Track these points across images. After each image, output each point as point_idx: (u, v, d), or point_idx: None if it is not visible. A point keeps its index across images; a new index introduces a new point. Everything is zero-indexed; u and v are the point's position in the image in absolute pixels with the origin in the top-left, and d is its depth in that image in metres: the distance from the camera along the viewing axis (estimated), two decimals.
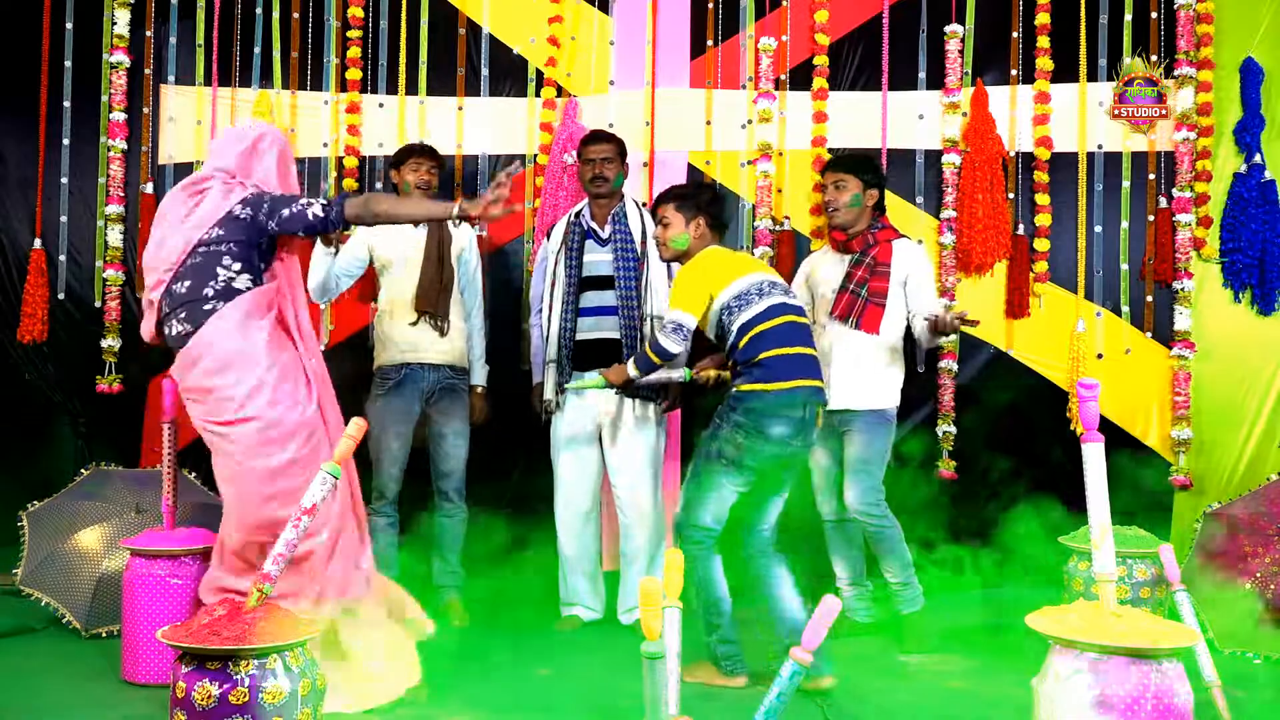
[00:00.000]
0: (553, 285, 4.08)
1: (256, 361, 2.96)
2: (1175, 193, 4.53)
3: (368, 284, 4.63)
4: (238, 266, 3.04)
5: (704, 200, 3.50)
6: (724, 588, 3.34)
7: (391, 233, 4.10)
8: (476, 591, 4.47)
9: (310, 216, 3.05)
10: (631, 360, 3.48)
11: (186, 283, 3.01)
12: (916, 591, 3.84)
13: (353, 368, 4.46)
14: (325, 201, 3.08)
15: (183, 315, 3.01)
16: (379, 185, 4.77)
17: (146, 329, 3.16)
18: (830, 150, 4.64)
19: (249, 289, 3.04)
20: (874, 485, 3.81)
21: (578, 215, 4.09)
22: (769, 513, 3.41)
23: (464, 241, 4.20)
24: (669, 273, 4.07)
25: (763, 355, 3.25)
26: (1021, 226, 4.59)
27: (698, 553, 3.28)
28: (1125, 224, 4.58)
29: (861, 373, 3.84)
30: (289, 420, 2.97)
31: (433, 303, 4.04)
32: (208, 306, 2.98)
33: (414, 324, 4.04)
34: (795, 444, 3.27)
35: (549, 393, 4.07)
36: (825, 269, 4.03)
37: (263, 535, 2.93)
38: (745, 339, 3.28)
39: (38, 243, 4.68)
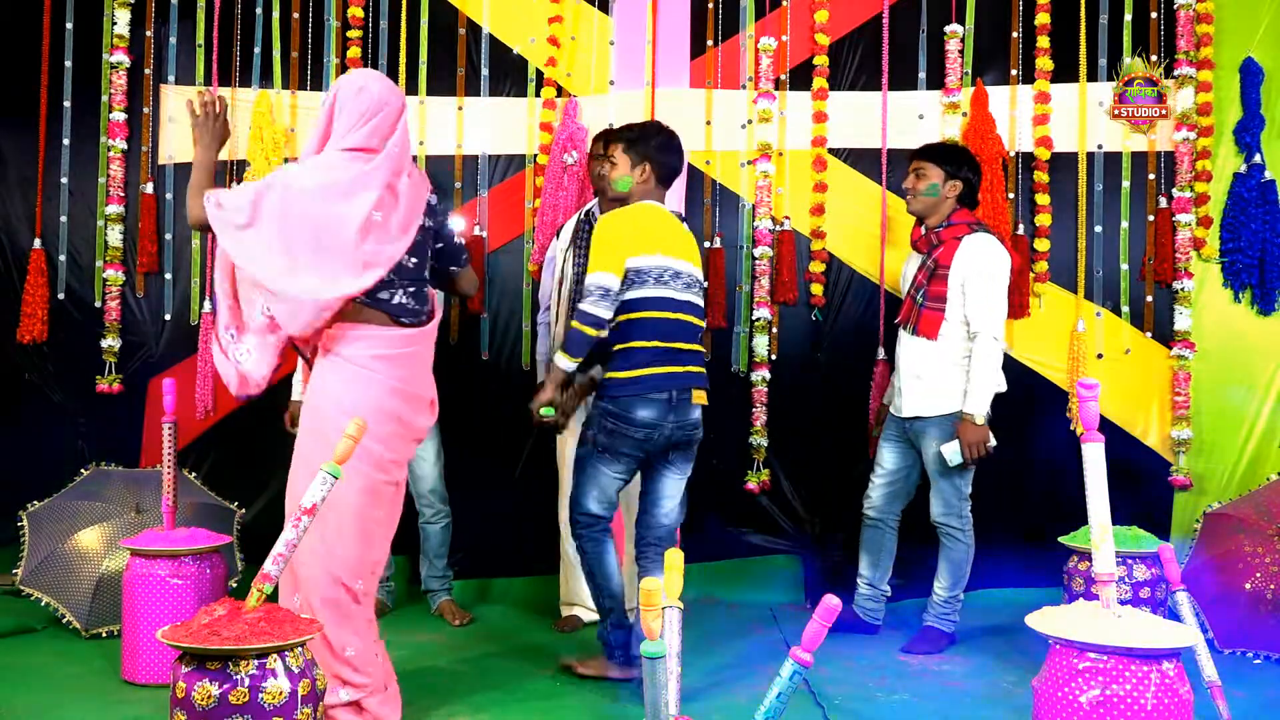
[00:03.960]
0: (560, 284, 4.08)
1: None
2: (1175, 193, 4.53)
3: None
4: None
5: (654, 146, 3.39)
6: (618, 575, 3.36)
7: None
8: (476, 592, 4.48)
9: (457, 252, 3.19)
10: (561, 352, 3.25)
11: (414, 259, 2.99)
12: (953, 612, 3.85)
13: None
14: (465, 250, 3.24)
15: (411, 290, 2.98)
16: None
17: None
18: (831, 151, 4.64)
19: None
20: (956, 495, 3.81)
21: (588, 213, 4.09)
22: (667, 494, 3.42)
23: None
24: None
25: (627, 344, 3.28)
26: (1021, 226, 4.59)
27: (587, 541, 3.33)
28: (1125, 224, 4.58)
29: (926, 380, 3.80)
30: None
31: None
32: (426, 289, 3.05)
33: None
34: (667, 424, 3.28)
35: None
36: (907, 269, 4.02)
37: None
38: (618, 320, 3.29)
39: (38, 243, 4.68)
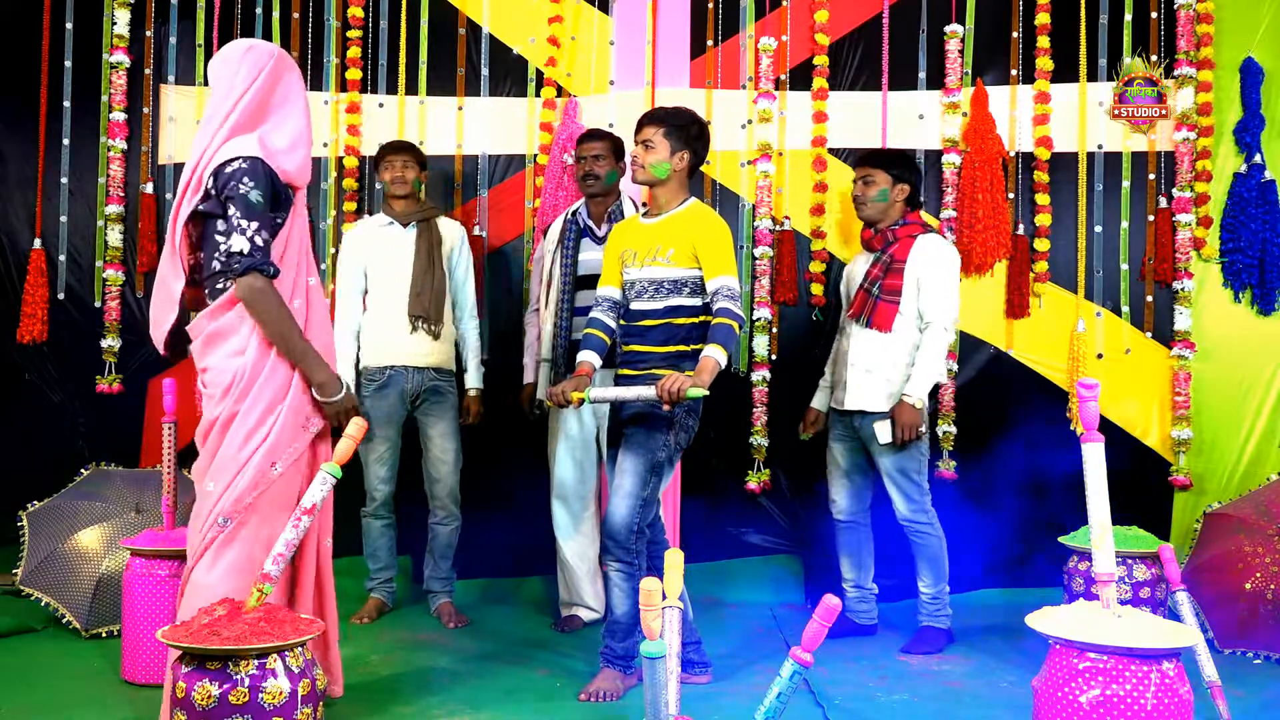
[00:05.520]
0: (548, 284, 4.09)
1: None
2: (1175, 193, 4.53)
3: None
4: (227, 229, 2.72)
5: (693, 134, 3.32)
6: None
7: (380, 236, 4.12)
8: (476, 592, 4.48)
9: (230, 241, 2.68)
10: (717, 346, 3.12)
11: (201, 253, 2.82)
12: (943, 607, 3.85)
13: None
14: (250, 248, 2.67)
15: (207, 291, 2.80)
16: (379, 185, 4.76)
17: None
18: (831, 151, 4.64)
19: None
20: (918, 491, 3.81)
21: (574, 214, 4.10)
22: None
23: (454, 241, 4.21)
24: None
25: (699, 346, 3.22)
26: (1021, 226, 4.59)
27: (643, 552, 3.21)
28: (1125, 224, 4.58)
29: (877, 375, 3.82)
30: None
31: (425, 307, 4.06)
32: (220, 285, 2.75)
33: (412, 331, 4.06)
34: None
35: (541, 392, 4.09)
36: (855, 268, 4.03)
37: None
38: (700, 322, 3.26)
39: (38, 243, 4.68)
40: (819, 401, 4.16)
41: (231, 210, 2.69)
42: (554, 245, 4.10)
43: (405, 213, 4.16)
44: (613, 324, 3.44)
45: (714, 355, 3.11)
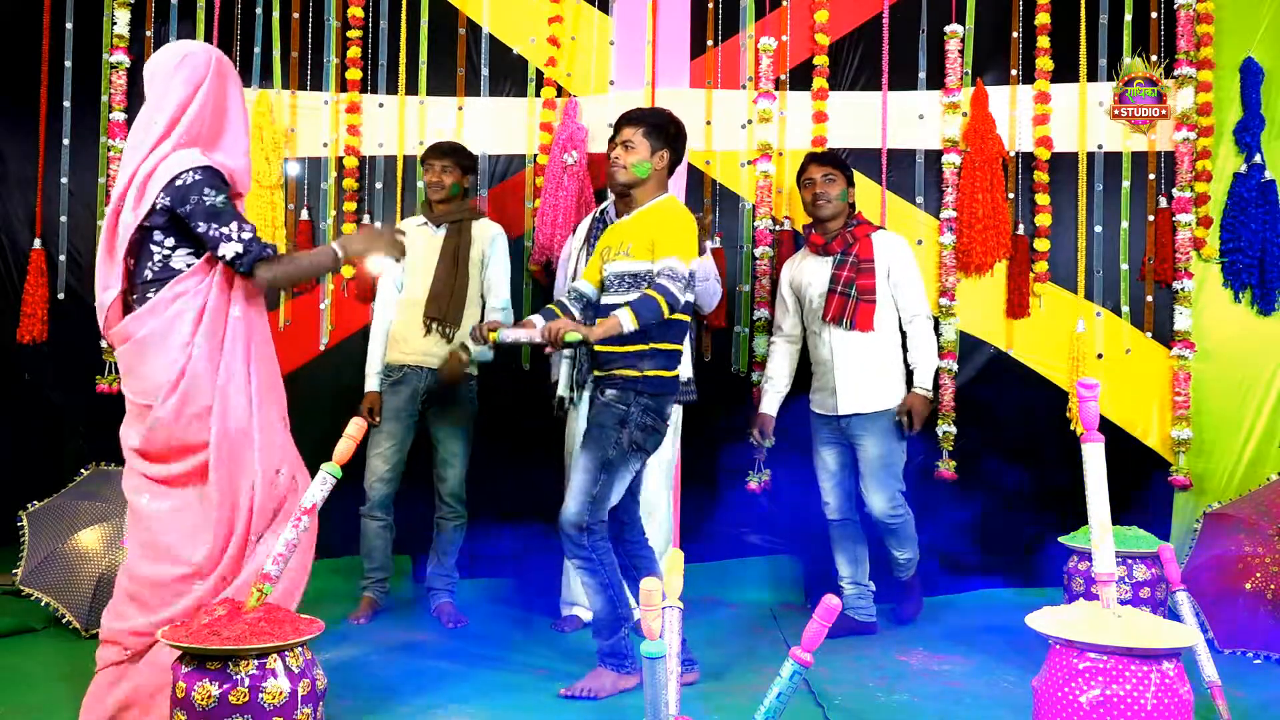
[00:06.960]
0: (574, 280, 4.09)
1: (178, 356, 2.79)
2: (1175, 193, 4.53)
3: (367, 283, 4.63)
4: (171, 241, 2.80)
5: (671, 133, 3.34)
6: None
7: (413, 237, 4.11)
8: (477, 591, 4.48)
9: (220, 251, 2.75)
10: (628, 310, 3.08)
11: (133, 261, 2.85)
12: (915, 561, 4.02)
13: (351, 368, 4.45)
14: (245, 246, 2.75)
15: (134, 297, 2.86)
16: (379, 185, 4.77)
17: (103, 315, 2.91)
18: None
19: (188, 266, 2.80)
20: (899, 488, 3.91)
21: (603, 211, 4.10)
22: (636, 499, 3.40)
23: (485, 242, 4.17)
24: None
25: (669, 345, 3.22)
26: (1021, 226, 4.59)
27: (601, 550, 3.19)
28: (1125, 224, 4.58)
29: (867, 375, 3.90)
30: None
31: (442, 310, 4.06)
32: (151, 294, 2.80)
33: (425, 334, 4.06)
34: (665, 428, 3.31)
35: (563, 389, 4.07)
36: (809, 273, 4.06)
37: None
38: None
39: (38, 243, 4.68)
40: (772, 406, 4.17)
41: (202, 226, 2.75)
42: (581, 243, 4.09)
43: (439, 215, 4.16)
44: (574, 311, 3.42)
45: (619, 316, 3.09)
